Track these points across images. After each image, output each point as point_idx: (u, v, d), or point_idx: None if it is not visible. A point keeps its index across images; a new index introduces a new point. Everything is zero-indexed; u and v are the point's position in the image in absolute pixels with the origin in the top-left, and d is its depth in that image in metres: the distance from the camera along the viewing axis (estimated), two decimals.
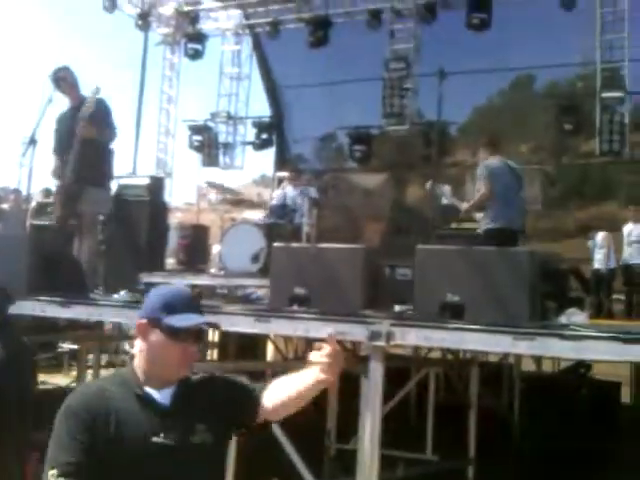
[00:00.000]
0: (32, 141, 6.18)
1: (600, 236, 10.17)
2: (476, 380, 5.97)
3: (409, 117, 11.48)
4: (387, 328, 4.62)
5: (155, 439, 1.97)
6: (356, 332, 4.79)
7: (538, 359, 8.04)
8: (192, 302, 2.16)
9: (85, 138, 5.92)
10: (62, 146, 6.24)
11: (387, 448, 4.61)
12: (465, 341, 4.57)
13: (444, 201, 7.84)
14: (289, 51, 13.10)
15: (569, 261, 8.69)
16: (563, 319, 5.27)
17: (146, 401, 2.03)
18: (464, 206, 6.92)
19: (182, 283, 7.22)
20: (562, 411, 6.49)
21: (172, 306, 2.07)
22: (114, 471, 1.93)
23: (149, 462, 1.95)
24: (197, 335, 2.11)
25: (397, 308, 5.56)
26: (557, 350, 4.38)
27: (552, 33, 11.23)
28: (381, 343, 4.60)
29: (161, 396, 2.05)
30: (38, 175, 6.47)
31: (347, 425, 5.39)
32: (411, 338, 4.75)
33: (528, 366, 8.12)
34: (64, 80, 6.11)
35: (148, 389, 2.04)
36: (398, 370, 5.28)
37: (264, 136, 12.54)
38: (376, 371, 4.57)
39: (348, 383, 5.81)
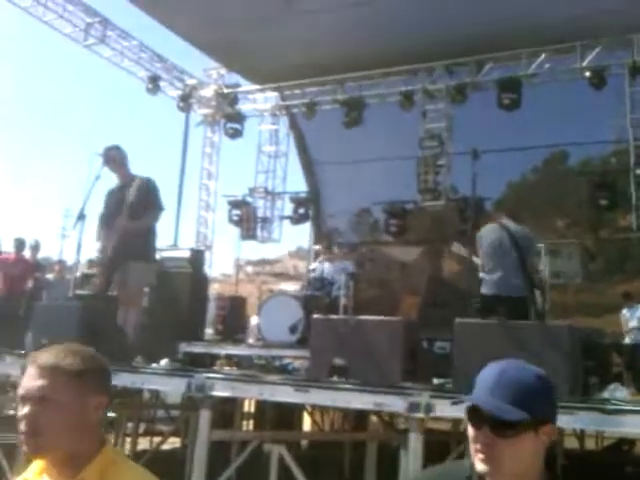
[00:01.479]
0: (81, 215, 6.47)
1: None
2: None
3: (444, 193, 11.68)
4: (426, 400, 4.63)
5: None
6: (395, 403, 4.80)
7: (581, 437, 7.86)
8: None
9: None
10: (108, 220, 6.52)
11: None
12: None
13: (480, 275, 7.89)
14: (325, 130, 13.49)
15: (611, 336, 8.58)
16: (605, 394, 5.22)
17: None
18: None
19: (222, 353, 7.33)
20: None
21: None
22: None
23: None
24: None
25: (435, 381, 5.57)
26: (598, 424, 4.34)
27: (583, 112, 11.43)
28: (420, 415, 4.61)
29: None
30: (84, 247, 6.69)
31: None
32: (450, 410, 4.74)
33: (571, 444, 7.93)
34: (114, 159, 6.41)
35: None
36: (437, 444, 5.22)
37: (301, 210, 12.81)
38: (415, 443, 4.56)
39: (386, 454, 5.78)
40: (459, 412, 4.82)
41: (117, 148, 6.54)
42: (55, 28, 12.34)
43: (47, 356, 1.62)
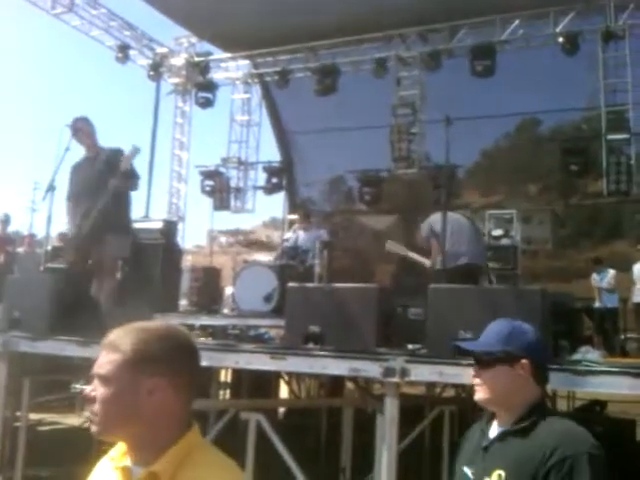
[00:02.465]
0: (51, 187, 6.36)
1: (610, 272, 10.25)
2: None
3: (417, 161, 11.68)
4: (401, 364, 4.67)
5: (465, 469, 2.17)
6: (371, 369, 4.83)
7: (552, 398, 8.00)
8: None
9: (116, 191, 6.06)
10: (76, 194, 6.38)
11: None
12: None
13: None
14: (298, 98, 13.39)
15: (580, 300, 8.72)
16: (577, 357, 5.31)
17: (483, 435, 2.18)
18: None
19: (197, 324, 7.32)
20: None
21: None
22: None
23: None
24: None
25: (410, 347, 5.62)
26: (570, 384, 4.42)
27: (556, 78, 11.46)
28: (395, 379, 4.65)
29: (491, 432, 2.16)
30: (54, 220, 6.59)
31: (362, 462, 5.39)
32: (425, 374, 4.79)
33: None
34: (82, 130, 6.26)
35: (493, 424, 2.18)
36: (412, 409, 5.29)
37: (274, 180, 12.75)
38: (391, 407, 4.60)
39: (362, 420, 5.84)
40: (433, 377, 4.88)
41: (85, 119, 6.37)
42: None
43: (113, 334, 1.55)
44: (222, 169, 13.71)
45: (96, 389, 1.52)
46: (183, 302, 8.83)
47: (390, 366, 4.67)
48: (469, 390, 7.39)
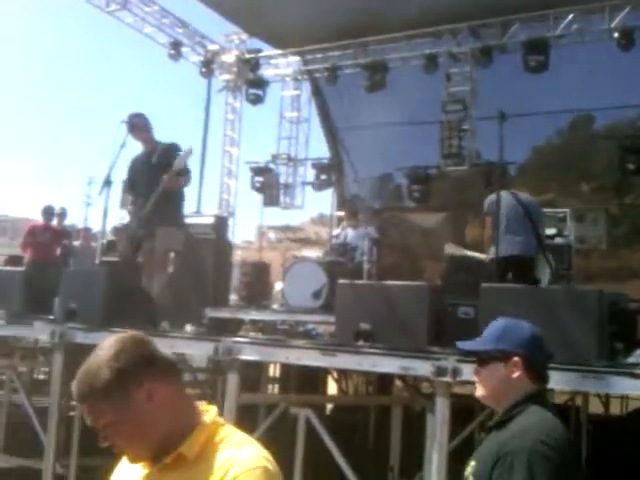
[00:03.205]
0: (107, 182, 6.52)
1: None
2: None
3: (468, 158, 11.55)
4: (453, 364, 4.64)
5: None
6: (422, 368, 4.82)
7: (606, 402, 7.85)
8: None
9: (169, 186, 6.18)
10: (133, 186, 6.55)
11: None
12: None
13: None
14: (347, 95, 13.35)
15: (635, 302, 8.51)
16: (631, 359, 5.20)
17: None
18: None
19: (247, 318, 7.40)
20: (632, 453, 6.31)
21: None
22: None
23: None
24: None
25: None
26: (626, 388, 4.34)
27: (611, 74, 11.20)
28: (447, 379, 4.62)
29: None
30: (110, 214, 6.76)
31: (410, 461, 5.37)
32: None
33: (595, 408, 7.93)
34: (137, 126, 6.41)
35: None
36: (462, 409, 5.24)
37: (323, 177, 12.74)
38: (442, 407, 4.59)
39: (410, 418, 5.82)
40: None
41: (140, 115, 6.55)
42: None
43: (79, 385, 1.56)
44: (272, 165, 13.78)
45: (109, 434, 1.53)
46: (233, 297, 8.93)
47: (442, 365, 4.64)
48: None
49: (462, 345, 2.47)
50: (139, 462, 1.58)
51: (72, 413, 6.16)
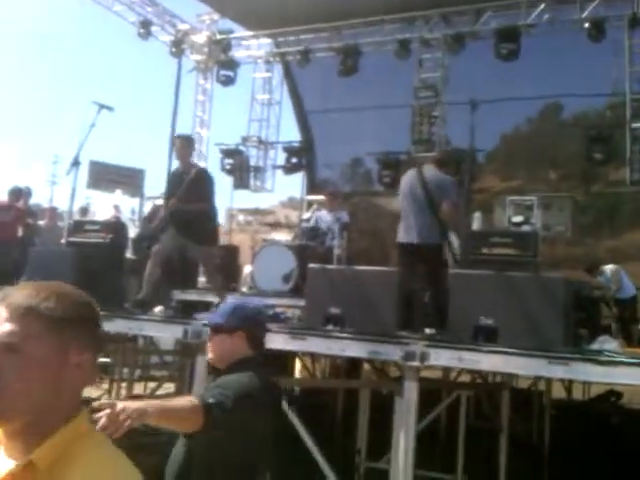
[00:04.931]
0: (76, 162, 6.48)
1: (609, 270, 10.02)
2: (507, 404, 5.99)
3: (437, 144, 11.61)
4: (421, 349, 4.70)
5: None
6: (391, 352, 4.88)
7: (568, 386, 8.02)
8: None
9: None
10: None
11: (418, 468, 4.66)
12: (499, 364, 4.64)
13: (474, 227, 7.94)
14: (319, 78, 13.31)
15: (599, 289, 8.69)
16: (595, 346, 5.31)
17: None
18: None
19: (215, 301, 7.37)
20: (593, 438, 6.48)
21: None
22: None
23: None
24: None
25: (428, 331, 5.63)
26: (591, 375, 4.43)
27: (581, 63, 11.33)
28: (416, 363, 4.68)
29: None
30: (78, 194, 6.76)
31: (377, 443, 5.43)
32: (445, 359, 4.83)
33: (558, 393, 8.09)
34: (181, 146, 6.86)
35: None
36: (427, 393, 5.32)
37: (294, 160, 12.69)
38: (411, 391, 4.64)
39: (377, 402, 5.88)
40: (452, 362, 4.89)
41: (187, 138, 7.17)
42: None
43: (22, 295, 1.25)
44: (242, 148, 13.68)
45: (4, 367, 1.20)
46: (202, 279, 8.88)
47: (410, 350, 4.70)
48: (486, 375, 7.44)
49: (202, 317, 3.30)
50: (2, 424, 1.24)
51: None
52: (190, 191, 6.55)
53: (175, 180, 6.87)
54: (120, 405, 2.08)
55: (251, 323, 2.88)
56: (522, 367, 4.57)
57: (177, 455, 2.64)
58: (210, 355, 2.87)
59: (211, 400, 2.44)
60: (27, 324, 1.22)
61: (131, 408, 2.12)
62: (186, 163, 6.92)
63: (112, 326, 5.43)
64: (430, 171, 6.45)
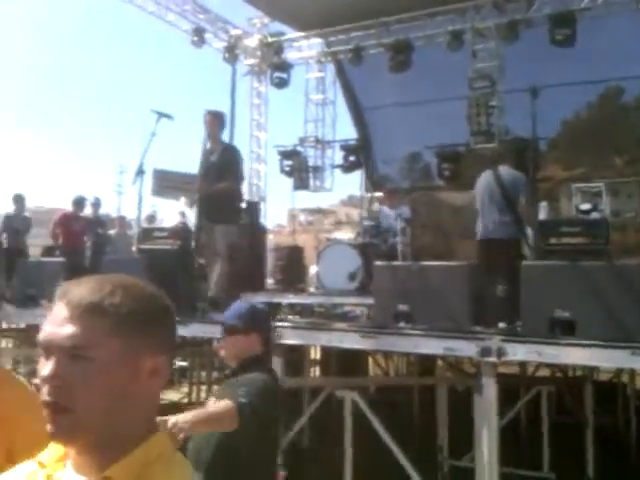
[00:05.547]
0: (140, 171, 6.59)
1: None
2: (590, 398, 5.85)
3: (497, 134, 11.43)
4: (498, 344, 4.62)
5: None
6: (466, 348, 4.80)
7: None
8: None
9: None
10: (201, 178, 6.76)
11: (502, 465, 4.58)
12: (581, 357, 4.53)
13: (541, 217, 7.78)
14: (372, 75, 13.23)
15: None
16: None
17: None
18: None
19: (284, 302, 7.44)
20: None
21: None
22: None
23: None
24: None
25: (502, 325, 5.54)
26: None
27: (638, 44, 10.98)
28: (492, 359, 4.60)
29: None
30: (144, 202, 6.90)
31: (458, 440, 5.38)
32: (522, 354, 4.73)
33: None
34: (211, 122, 6.68)
35: None
36: (505, 388, 5.24)
37: (352, 158, 12.65)
38: (489, 387, 4.57)
39: (453, 398, 5.83)
40: (531, 356, 4.79)
41: (216, 113, 6.86)
42: None
43: (83, 290, 1.07)
44: (300, 148, 13.74)
45: (57, 370, 1.04)
46: (269, 281, 8.97)
47: (486, 345, 4.63)
48: (565, 369, 7.28)
49: (215, 317, 3.36)
50: (60, 442, 1.09)
51: None
52: (215, 171, 6.49)
53: (204, 159, 6.77)
54: (172, 419, 2.33)
55: (265, 324, 3.20)
56: (605, 359, 4.46)
57: (200, 444, 2.82)
58: (223, 353, 3.10)
59: (243, 400, 2.65)
60: (91, 324, 1.05)
61: (181, 421, 2.37)
62: (215, 141, 6.80)
63: (187, 331, 5.53)
64: (504, 169, 6.78)
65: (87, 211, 10.89)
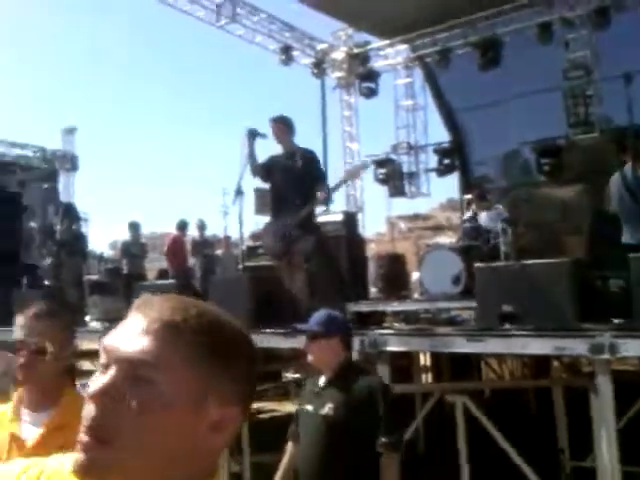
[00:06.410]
0: (239, 192, 6.77)
1: None
2: None
3: (597, 124, 11.04)
4: (609, 340, 4.47)
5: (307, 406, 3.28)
6: (576, 346, 4.66)
7: None
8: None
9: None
10: (277, 185, 6.61)
11: (625, 464, 4.42)
12: None
13: None
14: (461, 75, 13.10)
15: None
16: None
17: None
18: None
19: (388, 310, 7.46)
20: None
21: None
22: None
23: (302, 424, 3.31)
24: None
25: (615, 321, 5.34)
26: None
27: None
28: (605, 356, 4.46)
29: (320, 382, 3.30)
30: (245, 221, 7.06)
31: (578, 442, 5.22)
32: (636, 350, 4.55)
33: None
34: (278, 128, 6.47)
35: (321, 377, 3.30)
36: (625, 386, 5.04)
37: (446, 161, 12.59)
38: (605, 386, 4.43)
39: (570, 397, 5.65)
40: None
41: (281, 118, 6.58)
42: (188, 13, 12.85)
43: (167, 305, 0.91)
44: (393, 156, 13.81)
45: (115, 385, 0.85)
46: (372, 290, 9.03)
47: (598, 342, 4.48)
48: None
49: (300, 326, 3.67)
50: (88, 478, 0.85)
51: None
52: (306, 174, 6.30)
53: (280, 167, 6.49)
54: None
55: (345, 328, 3.39)
56: None
57: (310, 426, 3.18)
58: (311, 359, 3.28)
59: (390, 440, 2.99)
60: (167, 343, 0.87)
61: None
62: (289, 146, 6.51)
63: (293, 343, 5.66)
64: (628, 171, 6.52)
65: (195, 233, 11.39)
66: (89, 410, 0.85)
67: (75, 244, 9.38)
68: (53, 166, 16.04)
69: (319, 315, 3.36)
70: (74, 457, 0.84)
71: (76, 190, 17.13)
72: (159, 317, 0.88)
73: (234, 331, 0.93)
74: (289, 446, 3.45)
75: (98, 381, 0.86)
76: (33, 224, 13.58)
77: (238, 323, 0.96)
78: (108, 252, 15.00)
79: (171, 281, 8.23)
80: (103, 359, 0.88)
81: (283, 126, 6.51)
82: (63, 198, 15.18)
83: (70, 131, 17.91)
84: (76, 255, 9.77)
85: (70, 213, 10.04)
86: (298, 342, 5.71)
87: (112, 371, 0.86)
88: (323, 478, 3.09)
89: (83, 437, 0.84)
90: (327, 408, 3.12)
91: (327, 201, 6.68)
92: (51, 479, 1.01)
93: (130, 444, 0.83)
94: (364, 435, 3.01)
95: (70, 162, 16.96)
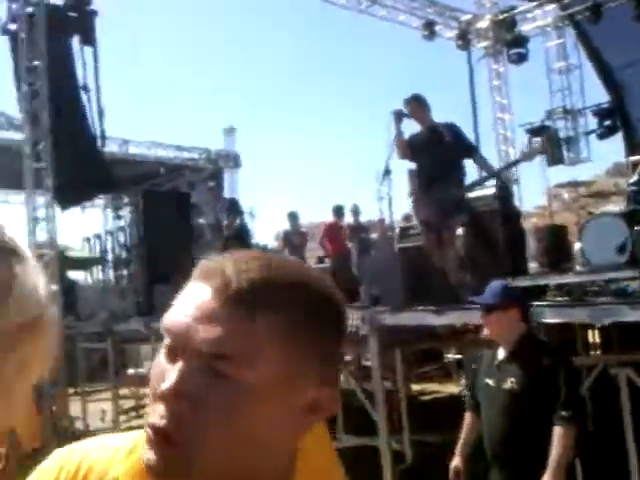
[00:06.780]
0: (387, 172, 6.87)
1: None
2: None
3: None
4: None
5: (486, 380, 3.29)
6: None
7: None
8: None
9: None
10: (423, 164, 6.70)
11: None
12: None
13: None
14: (616, 30, 12.21)
15: None
16: None
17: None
18: None
19: (551, 283, 7.21)
20: None
21: None
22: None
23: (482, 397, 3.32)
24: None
25: None
26: None
27: None
28: None
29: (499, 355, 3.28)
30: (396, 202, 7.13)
31: None
32: None
33: None
34: (415, 108, 6.58)
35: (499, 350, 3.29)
36: None
37: (607, 123, 11.86)
38: None
39: None
40: None
41: (416, 97, 6.66)
42: (331, 2, 13.07)
43: (244, 268, 0.73)
44: (548, 122, 13.21)
45: (189, 384, 0.70)
46: (532, 265, 8.74)
47: None
48: None
49: (475, 299, 3.50)
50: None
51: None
52: (456, 147, 6.35)
53: (425, 144, 6.47)
54: None
55: (521, 299, 3.35)
56: None
57: (494, 400, 3.20)
58: (488, 332, 3.28)
59: (569, 414, 2.99)
60: (251, 326, 0.70)
61: None
62: (428, 123, 6.56)
63: (445, 319, 5.66)
64: None
65: (350, 219, 11.64)
66: (159, 409, 0.71)
67: (240, 237, 9.92)
68: (217, 165, 16.97)
69: (494, 287, 3.30)
70: (145, 456, 0.72)
71: (241, 186, 18.01)
72: (236, 289, 0.71)
73: (326, 293, 0.77)
74: (467, 416, 3.47)
75: (168, 377, 0.71)
76: (202, 221, 14.54)
77: (325, 278, 0.80)
78: (272, 244, 15.62)
79: (325, 265, 8.49)
80: (168, 341, 0.74)
81: (418, 104, 6.60)
82: (228, 195, 16.04)
83: (230, 131, 18.89)
84: (241, 248, 10.31)
85: (234, 208, 10.62)
86: (449, 319, 5.74)
87: (182, 364, 0.71)
88: (512, 446, 3.08)
89: (150, 437, 0.72)
90: (510, 382, 3.10)
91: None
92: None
93: (212, 444, 0.70)
94: (547, 407, 2.99)
95: (233, 160, 17.87)
